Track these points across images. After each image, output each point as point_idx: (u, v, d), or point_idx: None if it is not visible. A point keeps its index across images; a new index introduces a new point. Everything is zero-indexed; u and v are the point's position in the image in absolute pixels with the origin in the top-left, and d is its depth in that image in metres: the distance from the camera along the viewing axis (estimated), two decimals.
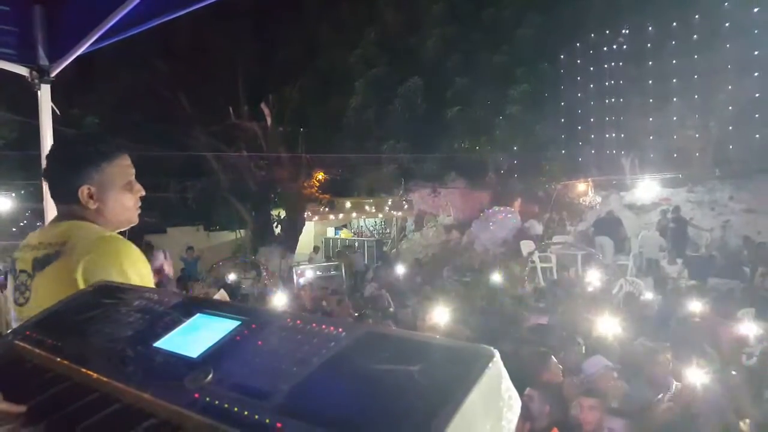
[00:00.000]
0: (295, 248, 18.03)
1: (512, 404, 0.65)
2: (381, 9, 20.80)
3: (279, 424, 0.61)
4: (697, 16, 16.16)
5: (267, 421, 0.62)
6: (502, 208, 16.63)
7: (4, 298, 9.32)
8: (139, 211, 1.60)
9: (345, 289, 11.40)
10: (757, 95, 14.72)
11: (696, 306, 6.34)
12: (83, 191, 1.47)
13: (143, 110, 16.64)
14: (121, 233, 1.56)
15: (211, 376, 0.73)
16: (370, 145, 19.00)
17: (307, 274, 12.64)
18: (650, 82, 16.96)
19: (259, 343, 0.78)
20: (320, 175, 20.52)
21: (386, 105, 19.59)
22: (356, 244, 19.15)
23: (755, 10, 14.87)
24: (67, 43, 2.57)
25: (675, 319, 6.22)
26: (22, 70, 2.69)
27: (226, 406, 0.67)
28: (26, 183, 15.14)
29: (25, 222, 15.52)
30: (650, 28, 17.07)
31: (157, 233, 16.13)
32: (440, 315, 5.68)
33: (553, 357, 4.05)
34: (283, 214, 19.63)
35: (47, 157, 1.56)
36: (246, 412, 0.65)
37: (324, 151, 18.35)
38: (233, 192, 18.14)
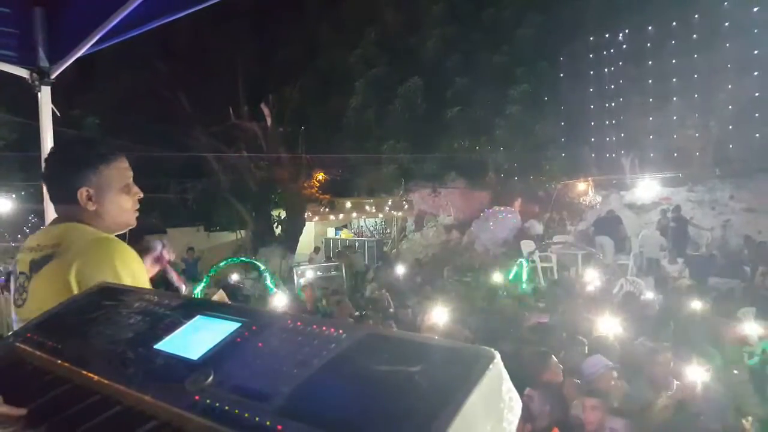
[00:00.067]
0: (296, 249, 18.04)
1: (513, 405, 0.65)
2: (381, 9, 20.79)
3: (280, 426, 0.61)
4: (696, 16, 16.16)
5: (268, 423, 0.62)
6: (502, 208, 16.64)
7: (5, 299, 9.33)
8: (137, 214, 1.61)
9: (345, 289, 11.40)
10: (757, 94, 14.73)
11: (697, 305, 6.34)
12: (82, 193, 1.48)
13: (143, 111, 16.65)
14: (121, 236, 1.56)
15: (211, 378, 0.72)
16: (370, 145, 19.00)
17: (307, 274, 12.64)
18: (650, 81, 16.97)
19: (260, 344, 0.78)
20: (320, 176, 20.53)
21: (386, 105, 19.59)
22: (356, 244, 19.14)
23: (755, 9, 14.86)
24: (67, 45, 2.57)
25: (676, 318, 6.22)
26: (23, 72, 2.69)
27: (226, 408, 0.67)
28: (26, 184, 15.15)
29: (29, 225, 15.53)
30: (650, 28, 17.07)
31: (157, 234, 16.14)
32: (440, 315, 5.68)
33: (553, 357, 4.05)
34: (283, 214, 19.64)
35: (46, 159, 1.57)
36: (246, 414, 0.65)
37: (324, 151, 18.35)
38: (233, 192, 18.15)
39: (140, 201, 1.61)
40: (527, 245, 13.41)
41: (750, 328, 5.28)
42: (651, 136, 16.66)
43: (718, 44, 15.22)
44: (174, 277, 1.80)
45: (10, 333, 1.09)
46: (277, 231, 19.63)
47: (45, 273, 1.41)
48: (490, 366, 0.62)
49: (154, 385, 0.75)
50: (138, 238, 1.75)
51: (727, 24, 15.45)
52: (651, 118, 16.59)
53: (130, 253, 1.44)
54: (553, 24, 18.04)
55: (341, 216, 21.89)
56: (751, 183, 13.86)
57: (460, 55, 19.59)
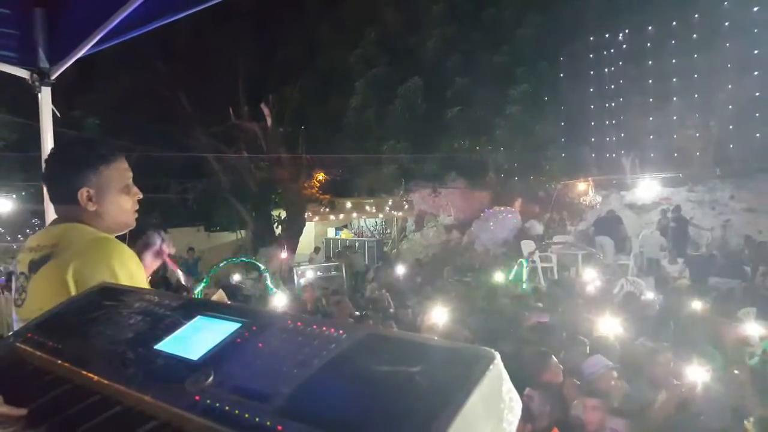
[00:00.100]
0: (296, 249, 18.04)
1: (513, 406, 0.65)
2: (381, 9, 20.79)
3: (280, 427, 0.61)
4: (696, 16, 16.16)
5: (268, 423, 0.62)
6: (502, 208, 16.64)
7: (5, 299, 9.33)
8: (136, 215, 1.62)
9: (345, 289, 11.40)
10: (757, 94, 14.73)
11: (697, 305, 6.33)
12: (82, 194, 1.49)
13: (143, 111, 16.65)
14: (121, 236, 1.56)
15: (211, 378, 0.73)
16: (370, 145, 19.00)
17: (307, 274, 12.64)
18: (650, 81, 16.97)
19: (260, 345, 0.78)
20: (320, 176, 20.53)
21: (386, 105, 19.59)
22: (357, 244, 19.15)
23: (755, 9, 14.86)
24: (67, 46, 2.57)
25: (676, 318, 6.21)
26: (23, 73, 2.69)
27: (226, 408, 0.67)
28: (27, 185, 15.15)
29: (30, 225, 15.53)
30: (650, 28, 17.07)
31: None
32: (440, 315, 5.68)
33: (553, 357, 4.05)
34: (283, 214, 19.64)
35: (46, 160, 1.58)
36: (247, 415, 0.65)
37: (324, 151, 18.35)
38: (234, 193, 18.15)
39: (140, 202, 1.62)
40: (527, 245, 13.41)
41: (751, 328, 5.28)
42: (651, 136, 16.66)
43: (718, 44, 15.21)
44: (174, 269, 1.79)
45: (10, 333, 1.10)
46: (278, 231, 19.63)
47: (43, 273, 1.42)
48: (491, 366, 0.62)
49: (155, 386, 0.75)
50: (138, 239, 1.75)
51: (727, 24, 15.45)
52: (651, 118, 16.58)
53: (128, 253, 1.44)
54: (553, 24, 18.04)
55: (341, 216, 21.89)
56: (752, 183, 13.86)
57: (460, 55, 19.60)
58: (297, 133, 18.47)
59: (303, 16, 20.44)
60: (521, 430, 3.17)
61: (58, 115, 2.77)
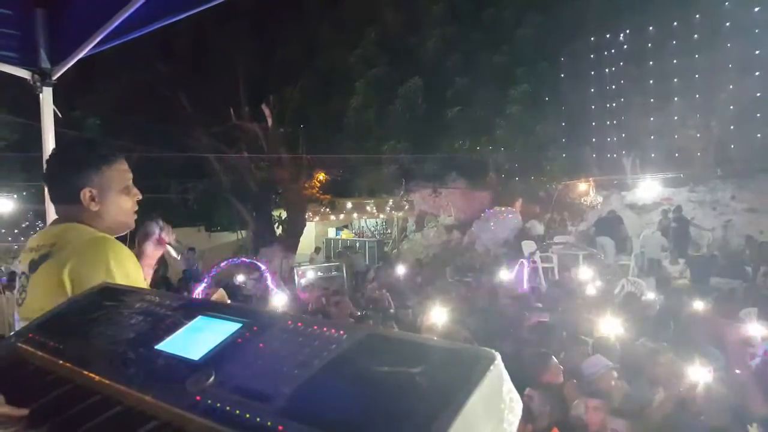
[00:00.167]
0: (296, 249, 18.04)
1: (514, 406, 0.65)
2: (381, 9, 20.80)
3: (281, 427, 0.61)
4: (697, 16, 16.15)
5: (269, 423, 0.63)
6: (503, 209, 16.64)
7: (6, 299, 9.34)
8: (136, 216, 1.63)
9: (346, 289, 11.40)
10: (758, 94, 14.71)
11: (699, 306, 6.33)
12: (85, 194, 1.50)
13: (144, 112, 16.65)
14: (122, 238, 1.57)
15: (212, 378, 0.73)
16: (370, 145, 19.00)
17: (308, 274, 12.64)
18: (651, 81, 16.96)
19: (261, 345, 0.78)
20: (321, 176, 20.53)
21: (387, 105, 19.59)
22: (357, 244, 19.17)
23: (756, 9, 14.85)
24: (68, 47, 2.58)
25: (677, 319, 6.21)
26: (24, 73, 2.70)
27: (227, 408, 0.67)
28: (28, 185, 15.16)
29: (30, 226, 15.55)
30: (651, 28, 17.06)
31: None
32: (439, 315, 5.67)
33: (554, 358, 4.04)
34: (284, 214, 19.64)
35: (48, 160, 1.59)
36: (247, 415, 0.65)
37: (325, 151, 18.35)
38: (234, 193, 18.15)
39: (139, 203, 1.64)
40: (528, 245, 13.41)
41: (753, 328, 5.27)
42: (652, 137, 16.64)
43: (719, 44, 15.20)
44: (173, 253, 1.79)
45: (12, 333, 1.10)
46: (278, 231, 19.64)
47: (41, 272, 1.44)
48: (491, 367, 0.62)
49: (155, 386, 0.75)
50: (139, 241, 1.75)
51: (728, 24, 15.43)
52: (652, 119, 16.57)
53: (125, 253, 1.45)
54: (553, 24, 18.03)
55: (342, 216, 21.90)
56: (753, 183, 13.84)
57: (460, 55, 19.59)
58: (297, 133, 18.48)
59: (303, 16, 20.44)
60: (522, 431, 3.17)
61: (60, 115, 2.77)
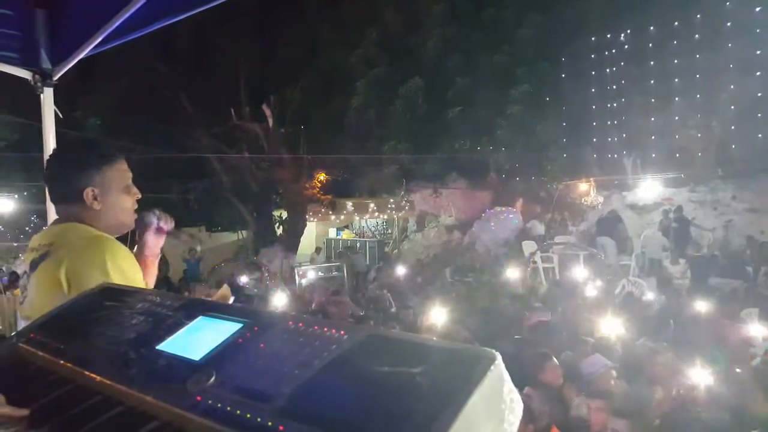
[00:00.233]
0: (297, 249, 18.05)
1: (514, 407, 0.65)
2: (382, 9, 20.80)
3: (281, 427, 0.61)
4: (698, 16, 16.14)
5: (269, 423, 0.63)
6: (503, 209, 16.63)
7: (7, 299, 9.35)
8: (135, 215, 1.64)
9: (347, 289, 11.40)
10: (759, 94, 14.71)
11: (700, 306, 6.33)
12: (87, 193, 1.51)
13: (145, 112, 16.66)
14: (122, 238, 1.58)
15: (213, 378, 0.73)
16: (371, 145, 19.01)
17: (309, 274, 12.64)
18: (652, 81, 16.95)
19: (262, 345, 0.78)
20: (322, 176, 20.53)
21: (387, 105, 19.59)
22: (358, 244, 19.16)
23: (757, 9, 14.84)
24: (69, 47, 2.58)
25: (679, 319, 6.20)
26: (25, 74, 2.70)
27: (228, 408, 0.67)
28: (28, 185, 15.17)
29: (32, 225, 15.57)
30: (652, 28, 17.05)
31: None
32: (439, 316, 5.67)
33: (554, 359, 4.04)
34: (284, 214, 19.64)
35: (48, 160, 1.60)
36: (248, 415, 0.65)
37: (325, 151, 18.35)
38: (235, 193, 18.16)
39: (139, 201, 1.65)
40: (529, 246, 13.40)
41: (754, 329, 5.27)
42: (653, 137, 16.63)
43: (720, 44, 15.19)
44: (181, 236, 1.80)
45: (13, 332, 1.10)
46: (279, 231, 19.65)
47: (40, 271, 1.45)
48: (491, 367, 0.62)
49: (156, 386, 0.75)
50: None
51: (729, 24, 15.42)
52: (653, 119, 16.56)
53: (122, 252, 1.46)
54: (554, 24, 18.02)
55: (342, 216, 21.89)
56: (754, 183, 13.83)
57: (461, 55, 19.59)
58: (298, 133, 18.48)
59: (304, 16, 20.46)
60: (522, 431, 3.17)
61: (60, 115, 2.78)
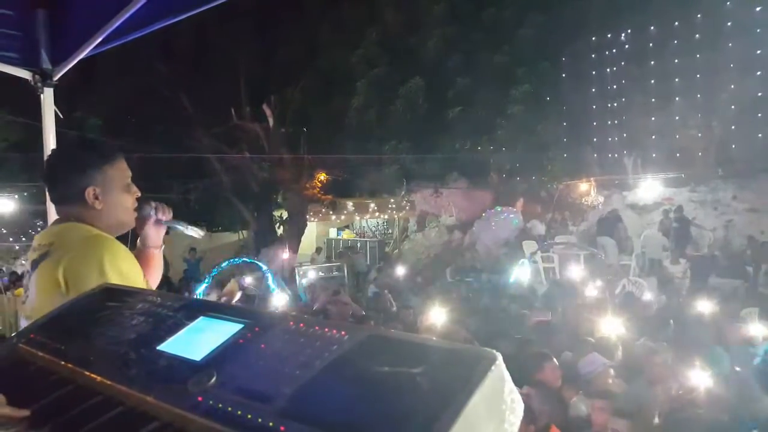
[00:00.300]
0: (298, 249, 18.05)
1: (515, 407, 0.65)
2: (382, 9, 20.80)
3: (282, 428, 0.61)
4: (699, 16, 16.13)
5: (270, 424, 0.63)
6: (504, 209, 16.62)
7: (7, 299, 9.36)
8: (135, 214, 1.64)
9: (347, 289, 11.40)
10: (759, 94, 14.70)
11: (700, 306, 6.33)
12: (89, 193, 1.52)
13: (146, 112, 16.67)
14: (123, 238, 1.58)
15: (214, 379, 0.73)
16: (371, 145, 19.00)
17: (309, 274, 12.64)
18: (652, 81, 16.94)
19: (263, 346, 0.78)
20: (322, 176, 20.53)
21: (388, 105, 19.59)
22: (358, 244, 19.16)
23: (757, 9, 14.83)
24: (69, 47, 2.58)
25: (679, 319, 6.20)
26: (25, 74, 2.70)
27: (229, 409, 0.67)
28: (29, 185, 15.18)
29: (38, 226, 15.57)
30: (652, 28, 17.05)
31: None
32: (439, 316, 5.67)
33: (553, 359, 4.03)
34: (285, 214, 19.65)
35: (48, 161, 1.60)
36: (249, 416, 0.65)
37: (326, 151, 18.34)
38: (235, 193, 18.16)
39: (138, 200, 1.65)
40: (529, 246, 13.40)
41: (754, 328, 5.27)
42: (653, 137, 16.63)
43: (720, 44, 15.18)
44: (183, 226, 1.79)
45: (13, 332, 1.10)
46: (279, 231, 19.65)
47: (39, 271, 1.45)
48: (492, 367, 0.62)
49: (157, 386, 0.75)
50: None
51: (729, 24, 15.42)
52: (653, 118, 16.55)
53: (121, 252, 1.46)
54: (554, 24, 18.02)
55: (343, 216, 21.89)
56: (754, 183, 13.83)
57: (461, 55, 19.59)
58: (299, 133, 18.47)
59: (304, 16, 20.46)
60: (523, 431, 3.16)
61: (61, 116, 2.78)
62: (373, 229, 22.91)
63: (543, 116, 18.05)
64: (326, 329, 0.77)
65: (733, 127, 15.30)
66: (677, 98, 16.33)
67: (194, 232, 1.83)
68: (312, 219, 20.39)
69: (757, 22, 14.83)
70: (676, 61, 16.38)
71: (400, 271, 11.43)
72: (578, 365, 4.22)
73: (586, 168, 17.54)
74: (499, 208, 16.70)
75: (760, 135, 14.77)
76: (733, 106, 15.11)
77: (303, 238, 18.81)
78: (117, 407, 0.76)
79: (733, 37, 15.15)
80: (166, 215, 1.73)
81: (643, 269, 11.61)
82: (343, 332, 0.75)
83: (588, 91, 18.59)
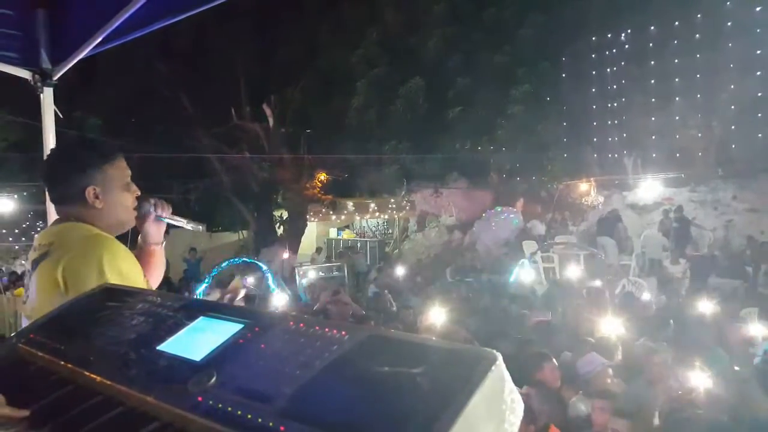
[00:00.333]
0: (298, 249, 18.05)
1: (515, 407, 0.65)
2: (382, 9, 20.80)
3: (282, 428, 0.61)
4: (699, 16, 16.13)
5: (270, 424, 0.63)
6: (504, 209, 16.62)
7: (6, 299, 9.36)
8: (135, 213, 1.64)
9: (347, 290, 11.39)
10: (759, 94, 14.70)
11: (700, 306, 6.33)
12: (89, 192, 1.52)
13: (145, 112, 16.66)
14: (122, 237, 1.58)
15: (214, 379, 0.73)
16: (371, 145, 19.01)
17: (309, 274, 12.63)
18: (652, 81, 16.94)
19: (263, 346, 0.78)
20: (322, 176, 20.53)
21: (388, 105, 19.59)
22: (358, 244, 19.16)
23: (757, 9, 14.84)
24: (69, 47, 2.58)
25: (679, 319, 6.20)
26: (25, 74, 2.70)
27: (229, 409, 0.67)
28: (29, 185, 15.19)
29: (37, 226, 15.57)
30: (652, 28, 17.04)
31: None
32: (438, 316, 5.67)
33: (553, 359, 4.03)
34: (285, 214, 19.65)
35: (47, 161, 1.60)
36: (249, 416, 0.65)
37: (326, 151, 18.35)
38: (235, 193, 18.16)
39: (138, 199, 1.66)
40: (529, 246, 13.39)
41: (754, 328, 5.27)
42: (653, 137, 16.63)
43: (720, 44, 15.18)
44: (182, 222, 1.80)
45: (13, 332, 1.10)
46: (279, 231, 19.66)
47: (39, 271, 1.45)
48: (492, 368, 0.62)
49: (157, 386, 0.75)
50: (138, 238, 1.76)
51: (729, 24, 15.41)
52: (653, 119, 16.55)
53: (121, 252, 1.46)
54: (554, 24, 18.02)
55: (343, 216, 21.90)
56: (754, 183, 13.83)
57: (461, 55, 19.59)
58: (299, 133, 18.48)
59: (304, 16, 20.45)
60: (523, 431, 3.16)
61: (61, 116, 2.78)
62: (373, 229, 22.91)
63: (543, 116, 18.04)
64: (326, 329, 0.77)
65: (733, 127, 15.30)
66: (677, 98, 16.33)
67: (194, 226, 1.83)
68: (312, 219, 20.39)
69: (757, 22, 14.83)
70: (676, 61, 16.38)
71: (400, 271, 11.42)
72: (577, 365, 4.21)
73: (586, 168, 17.55)
74: (499, 208, 16.71)
75: (760, 135, 14.77)
76: (733, 106, 15.10)
77: (303, 238, 18.82)
78: (117, 407, 0.76)
79: (733, 37, 15.15)
80: (165, 212, 1.73)
81: (643, 269, 11.60)
82: (343, 332, 0.75)
83: (588, 91, 18.59)
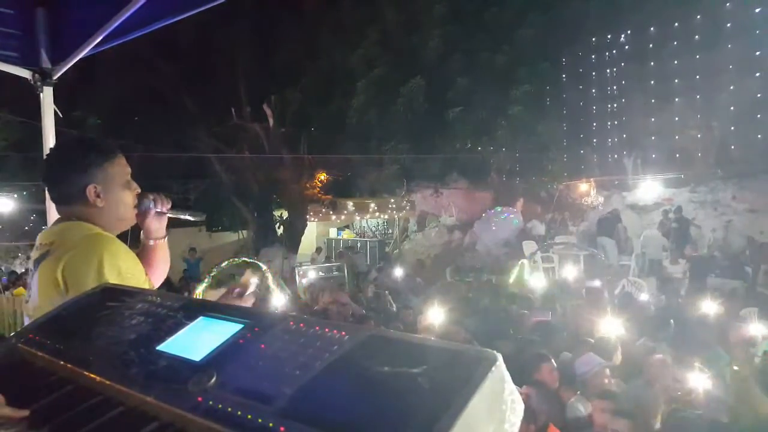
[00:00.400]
0: (298, 249, 18.04)
1: (515, 407, 0.65)
2: (382, 9, 20.80)
3: (282, 428, 0.61)
4: (699, 16, 16.13)
5: (270, 424, 0.62)
6: (504, 209, 16.63)
7: (6, 299, 9.36)
8: (135, 211, 1.64)
9: (347, 289, 11.39)
10: (759, 95, 14.70)
11: (700, 306, 6.33)
12: (90, 190, 1.52)
13: (145, 112, 16.66)
14: (123, 236, 1.58)
15: (214, 379, 0.73)
16: (372, 145, 19.01)
17: (309, 274, 12.62)
18: (652, 82, 16.95)
19: (262, 346, 0.78)
20: (322, 176, 20.53)
21: (388, 105, 19.58)
22: (358, 244, 19.15)
23: (757, 10, 14.84)
24: (69, 46, 2.58)
25: (679, 319, 6.20)
26: (25, 73, 2.70)
27: (229, 409, 0.67)
28: (28, 184, 15.18)
29: (37, 226, 15.56)
30: (652, 28, 17.05)
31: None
32: (438, 316, 5.67)
33: (552, 360, 4.03)
34: (285, 214, 19.65)
35: (47, 160, 1.60)
36: (249, 416, 0.65)
37: (326, 151, 18.35)
38: (235, 193, 18.17)
39: (137, 197, 1.66)
40: (529, 246, 13.39)
41: (754, 328, 5.27)
42: (653, 137, 16.64)
43: (720, 45, 15.19)
44: (183, 213, 1.81)
45: (12, 333, 1.10)
46: (279, 231, 19.66)
47: (41, 270, 1.45)
48: (493, 368, 0.62)
49: (157, 387, 0.75)
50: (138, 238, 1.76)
51: (729, 24, 15.42)
52: (653, 119, 16.56)
53: (121, 251, 1.46)
54: (555, 24, 18.02)
55: (343, 216, 21.90)
56: (754, 183, 13.83)
57: (461, 55, 19.58)
58: (299, 133, 18.49)
59: (304, 16, 20.45)
60: (523, 431, 3.16)
61: (60, 115, 2.78)
62: (373, 229, 22.91)
63: (543, 116, 18.05)
64: (326, 329, 0.77)
65: (732, 127, 15.30)
66: (677, 99, 16.33)
67: (195, 217, 1.85)
68: (312, 219, 20.39)
69: (756, 22, 14.83)
70: (676, 61, 16.38)
71: (400, 271, 11.42)
72: (574, 365, 4.21)
73: (586, 168, 17.56)
74: (499, 208, 16.71)
75: (759, 135, 14.77)
76: (732, 107, 15.11)
77: (303, 238, 18.82)
78: (117, 407, 0.76)
79: (733, 37, 15.15)
80: (165, 206, 1.73)
81: (642, 269, 11.61)
82: (343, 332, 0.75)
83: (588, 92, 18.60)
